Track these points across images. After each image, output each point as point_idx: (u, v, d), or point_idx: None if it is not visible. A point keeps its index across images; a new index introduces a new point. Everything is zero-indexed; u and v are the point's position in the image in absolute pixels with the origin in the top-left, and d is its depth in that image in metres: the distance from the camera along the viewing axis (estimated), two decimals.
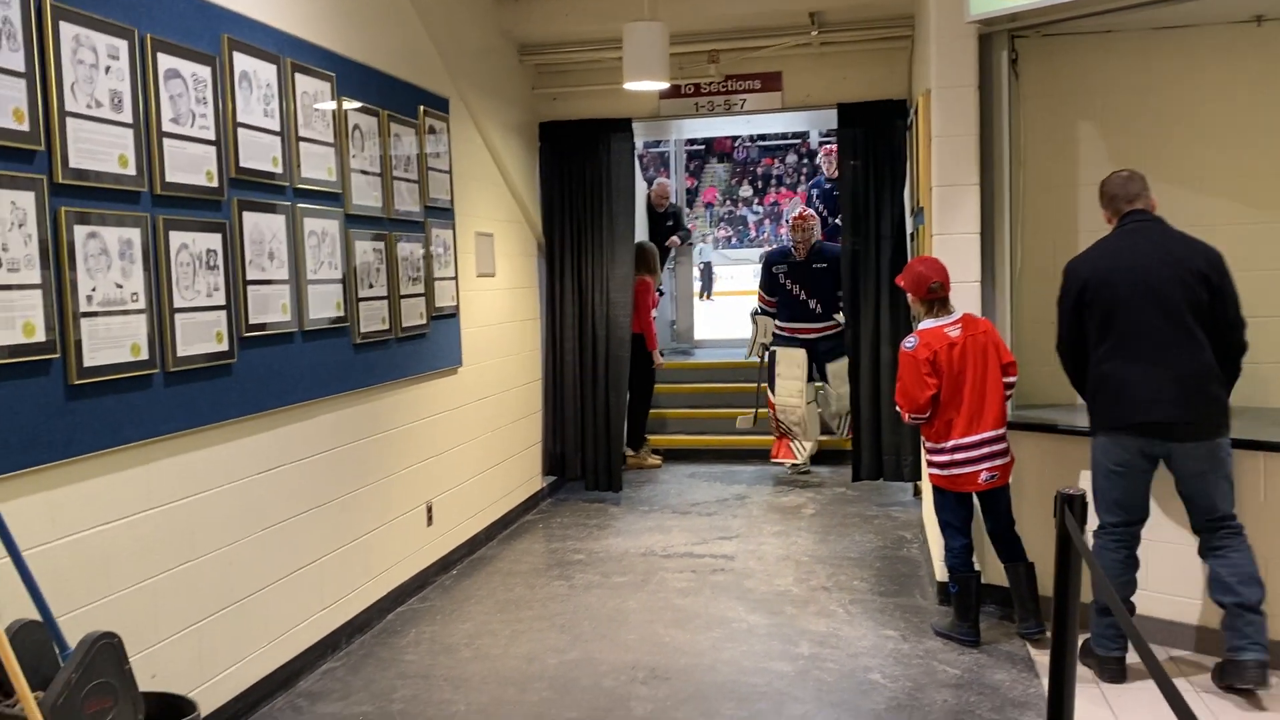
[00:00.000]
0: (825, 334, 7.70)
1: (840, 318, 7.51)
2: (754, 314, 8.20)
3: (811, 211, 8.15)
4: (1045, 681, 3.80)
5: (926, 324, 4.35)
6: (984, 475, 4.26)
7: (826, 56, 6.86)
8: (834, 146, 9.97)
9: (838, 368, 7.59)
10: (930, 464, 4.39)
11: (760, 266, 8.48)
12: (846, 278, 6.84)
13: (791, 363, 7.61)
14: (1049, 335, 4.96)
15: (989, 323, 4.46)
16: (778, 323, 7.87)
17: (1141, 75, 4.83)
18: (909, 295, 4.46)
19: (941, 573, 4.72)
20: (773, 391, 7.71)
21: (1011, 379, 4.39)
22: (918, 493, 6.77)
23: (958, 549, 4.37)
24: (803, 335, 7.72)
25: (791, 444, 7.78)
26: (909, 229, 6.53)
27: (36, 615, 2.68)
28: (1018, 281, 4.90)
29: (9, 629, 2.60)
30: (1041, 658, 4.11)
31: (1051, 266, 4.96)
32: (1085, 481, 4.33)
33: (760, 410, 8.01)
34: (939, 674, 4.06)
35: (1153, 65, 4.82)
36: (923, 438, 4.42)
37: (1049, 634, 4.07)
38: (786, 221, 8.05)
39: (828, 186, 10.08)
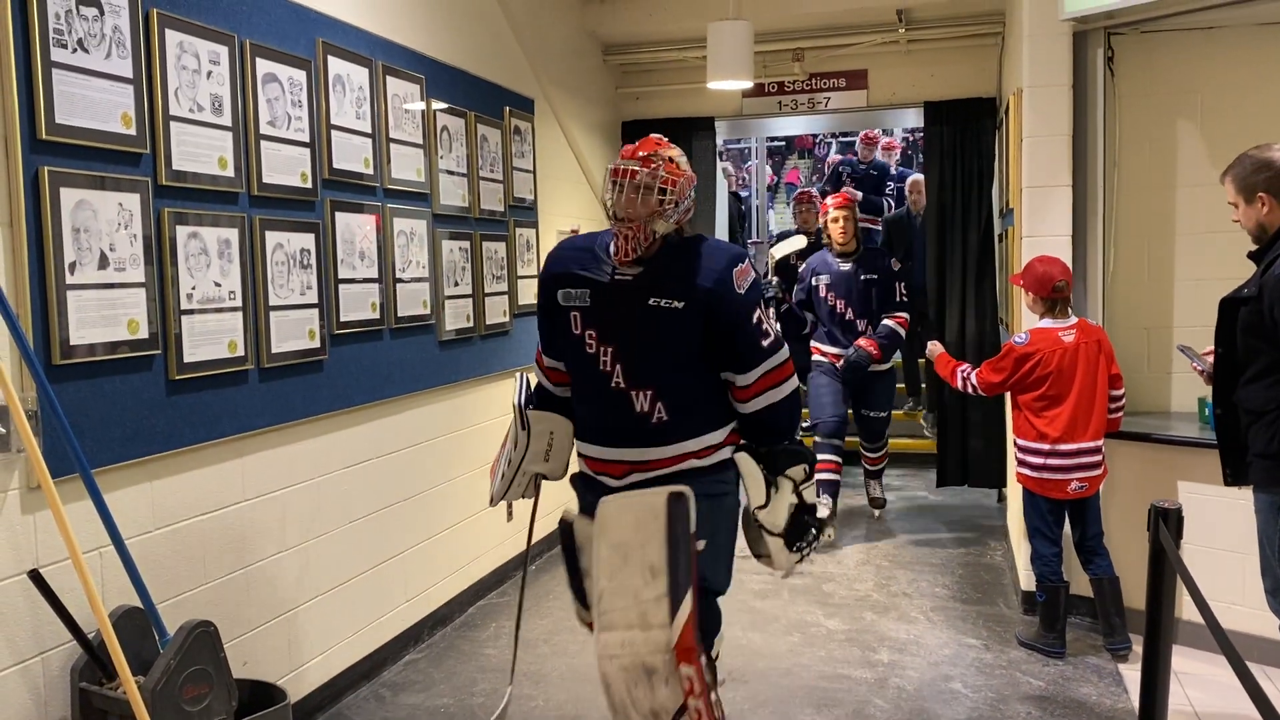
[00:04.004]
0: (666, 470, 3.06)
1: (717, 440, 3.12)
2: (518, 416, 3.32)
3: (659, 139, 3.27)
4: (1134, 696, 3.72)
5: (1044, 324, 4.26)
6: (1074, 485, 4.17)
7: (913, 54, 6.76)
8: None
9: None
10: (1021, 463, 4.29)
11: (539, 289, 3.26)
12: (933, 278, 6.67)
13: (614, 543, 2.91)
14: (1143, 341, 4.85)
15: (1102, 331, 4.34)
16: (579, 442, 3.34)
17: (1245, 73, 4.65)
18: (1029, 295, 4.31)
19: (1027, 581, 4.63)
20: (581, 603, 3.29)
21: (1118, 391, 4.26)
22: (1002, 499, 6.64)
23: (1047, 557, 4.28)
24: (612, 476, 3.20)
25: None
26: (997, 230, 6.40)
27: (138, 601, 2.79)
28: (1109, 286, 4.79)
29: (113, 614, 2.71)
30: (1130, 672, 4.00)
31: (1145, 271, 4.84)
32: (1180, 494, 4.21)
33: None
34: (1022, 685, 3.98)
35: (1257, 63, 4.64)
36: (1017, 437, 4.32)
37: (1136, 649, 4.02)
38: (612, 184, 3.09)
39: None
